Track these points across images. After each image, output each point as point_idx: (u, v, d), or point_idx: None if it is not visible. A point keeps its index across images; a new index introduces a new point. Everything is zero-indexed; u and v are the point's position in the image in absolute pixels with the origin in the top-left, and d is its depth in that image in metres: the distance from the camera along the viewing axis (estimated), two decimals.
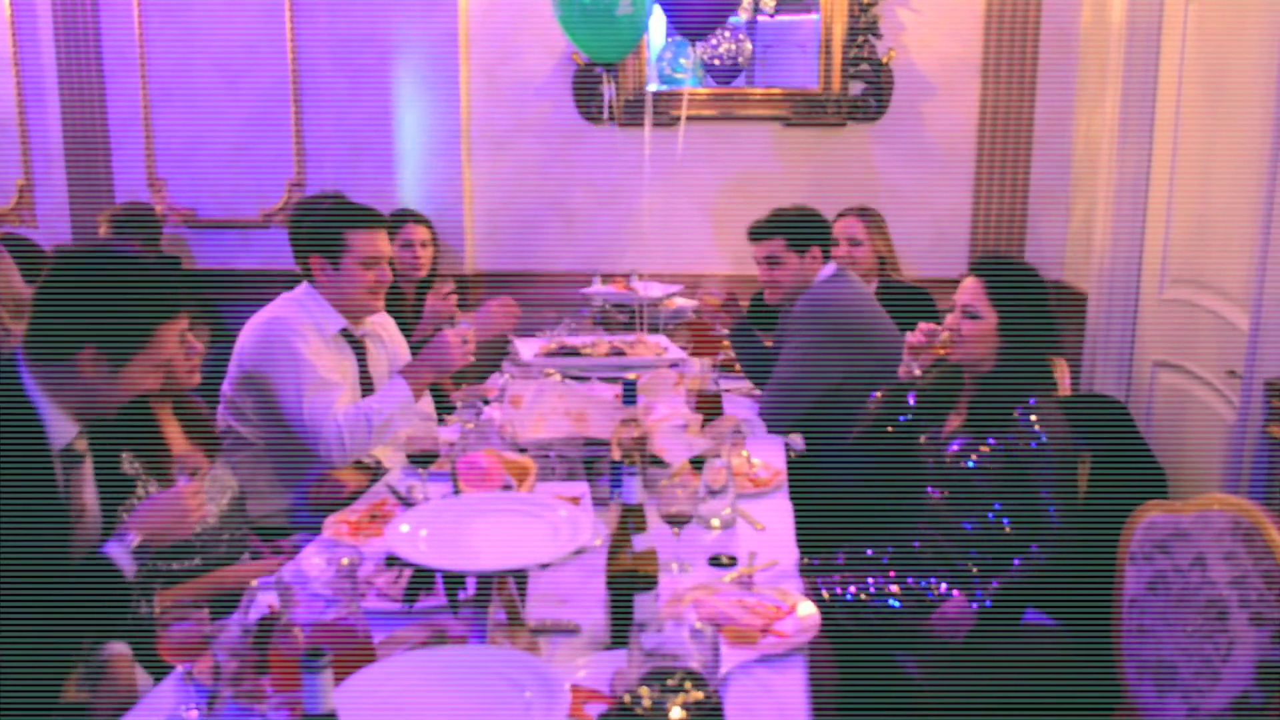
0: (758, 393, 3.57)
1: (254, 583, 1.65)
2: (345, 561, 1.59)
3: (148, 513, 1.83)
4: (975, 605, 2.27)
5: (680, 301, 4.01)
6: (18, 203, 4.69)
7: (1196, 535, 1.92)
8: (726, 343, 4.07)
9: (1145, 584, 2.03)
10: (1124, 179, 3.50)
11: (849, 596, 2.35)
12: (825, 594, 2.35)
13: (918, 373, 2.59)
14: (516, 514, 1.64)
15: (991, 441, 2.35)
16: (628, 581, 1.73)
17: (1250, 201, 2.65)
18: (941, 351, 2.52)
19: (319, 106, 4.47)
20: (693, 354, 3.87)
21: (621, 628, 1.74)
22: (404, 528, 1.56)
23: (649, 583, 1.74)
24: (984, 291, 2.39)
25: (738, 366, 3.87)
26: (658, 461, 2.33)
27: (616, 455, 2.20)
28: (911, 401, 2.60)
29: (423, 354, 2.72)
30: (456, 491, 1.82)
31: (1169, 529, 1.98)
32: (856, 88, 4.26)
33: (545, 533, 1.56)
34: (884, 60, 4.20)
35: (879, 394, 2.65)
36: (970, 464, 2.38)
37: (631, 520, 1.73)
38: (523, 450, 2.34)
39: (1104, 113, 3.64)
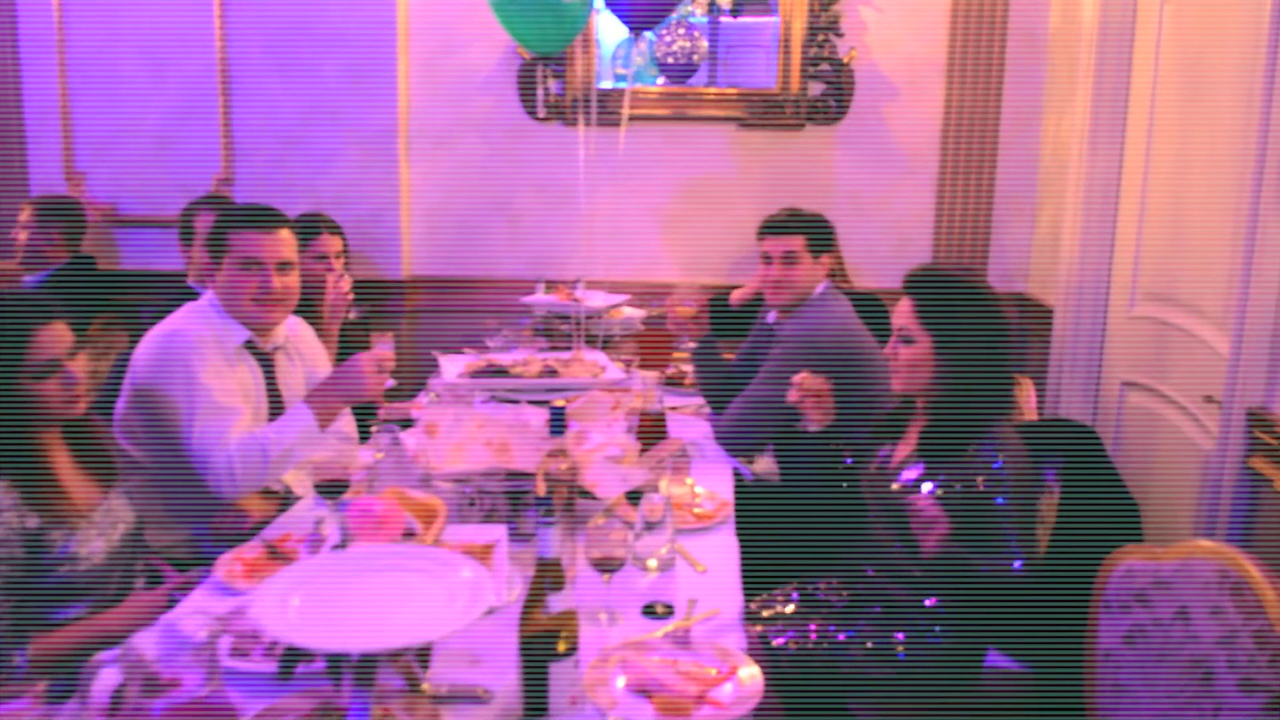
0: (707, 411, 3.36)
1: (95, 657, 1.40)
2: (205, 634, 1.36)
3: None
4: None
5: (629, 311, 3.79)
6: None
7: (1179, 586, 1.74)
8: (676, 355, 3.88)
9: (1122, 636, 1.84)
10: (1093, 186, 3.34)
11: (801, 644, 2.14)
12: (771, 642, 2.15)
13: (814, 428, 2.41)
14: (410, 572, 1.41)
15: (944, 476, 2.15)
16: (543, 648, 1.51)
17: (1228, 213, 2.49)
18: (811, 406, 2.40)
19: (249, 98, 4.20)
20: (640, 366, 3.67)
21: (536, 700, 1.53)
22: (272, 592, 1.33)
23: (568, 647, 1.52)
24: (914, 313, 2.18)
25: (687, 381, 3.67)
26: (589, 496, 2.11)
27: (542, 490, 1.98)
28: None
29: (332, 378, 2.47)
30: (344, 543, 1.58)
31: (1148, 577, 1.80)
32: (816, 88, 4.06)
33: (440, 598, 1.34)
34: (845, 60, 4.01)
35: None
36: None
37: (548, 578, 1.51)
38: (431, 481, 2.10)
39: (1073, 116, 3.48)
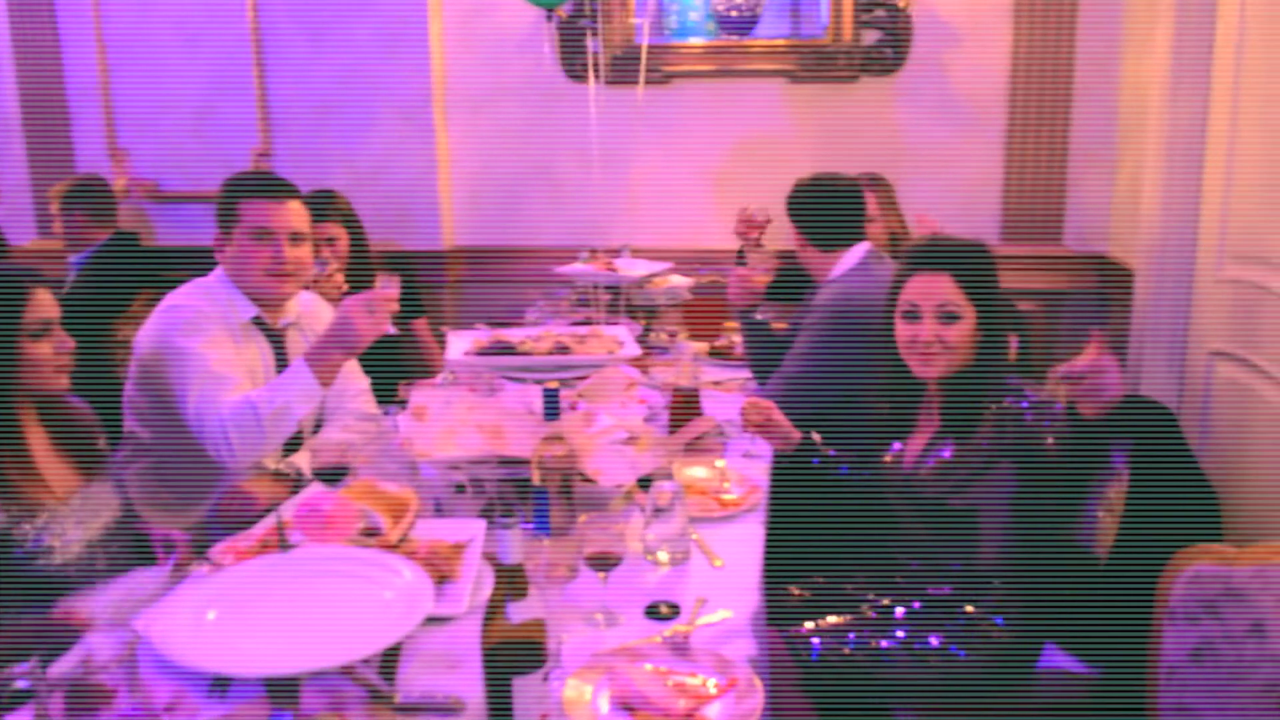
0: (754, 386, 3.16)
1: (8, 669, 1.28)
2: (120, 644, 1.23)
3: None
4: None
5: (674, 280, 3.60)
6: None
7: (1255, 596, 1.51)
8: (726, 325, 3.67)
9: (1189, 651, 1.61)
10: (1176, 135, 3.02)
11: (837, 646, 1.96)
12: (801, 646, 1.96)
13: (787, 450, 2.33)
14: (345, 578, 1.26)
15: (984, 444, 1.98)
16: (506, 661, 1.35)
17: None
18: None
19: (283, 68, 4.11)
20: (689, 338, 3.49)
21: (501, 718, 1.37)
22: (186, 606, 1.18)
23: (534, 661, 1.36)
24: (959, 288, 2.04)
25: (736, 352, 3.47)
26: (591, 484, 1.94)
27: (537, 479, 1.82)
28: None
29: (326, 330, 2.33)
30: (284, 546, 1.43)
31: (1218, 585, 1.56)
32: (871, 37, 3.78)
33: (372, 610, 1.18)
34: (901, 5, 3.72)
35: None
36: (954, 482, 2.01)
37: (509, 587, 1.34)
38: (417, 469, 1.95)
39: (1154, 58, 3.16)
